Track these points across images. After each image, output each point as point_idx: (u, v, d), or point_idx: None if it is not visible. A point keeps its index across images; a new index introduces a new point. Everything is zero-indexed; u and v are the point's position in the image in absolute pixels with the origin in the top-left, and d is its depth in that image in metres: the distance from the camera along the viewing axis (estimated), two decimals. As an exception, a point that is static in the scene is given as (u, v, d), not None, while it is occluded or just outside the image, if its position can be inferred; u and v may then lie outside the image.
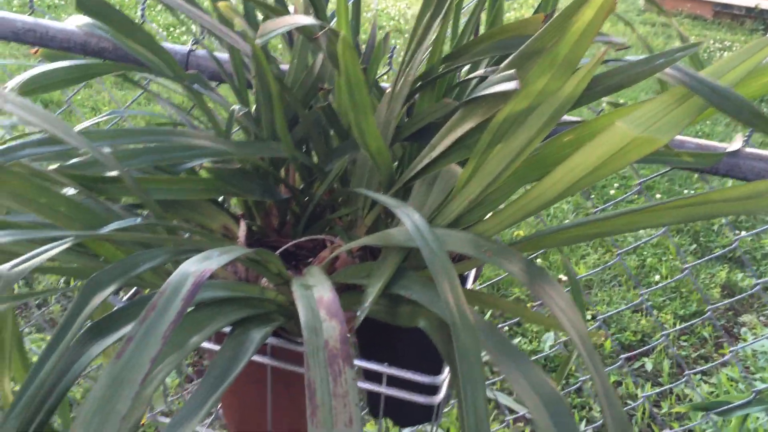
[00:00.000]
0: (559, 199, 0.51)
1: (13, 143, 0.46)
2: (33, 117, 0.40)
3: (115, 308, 0.53)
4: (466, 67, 0.67)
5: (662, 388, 1.94)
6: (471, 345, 0.41)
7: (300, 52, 0.67)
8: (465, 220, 0.57)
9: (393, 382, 0.66)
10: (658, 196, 2.87)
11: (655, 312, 2.24)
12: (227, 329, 0.61)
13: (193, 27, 4.44)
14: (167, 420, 1.42)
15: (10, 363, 0.90)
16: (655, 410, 1.95)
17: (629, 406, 1.84)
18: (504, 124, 0.51)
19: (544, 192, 0.51)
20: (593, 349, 0.51)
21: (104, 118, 0.81)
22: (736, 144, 0.76)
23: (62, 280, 2.07)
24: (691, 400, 1.93)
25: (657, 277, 2.40)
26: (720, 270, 2.42)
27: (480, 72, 0.59)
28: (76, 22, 0.82)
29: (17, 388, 0.93)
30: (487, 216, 0.58)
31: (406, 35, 4.49)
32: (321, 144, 0.67)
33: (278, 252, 0.62)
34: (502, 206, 0.59)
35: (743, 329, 2.17)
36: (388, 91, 0.61)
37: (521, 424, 1.91)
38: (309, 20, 0.55)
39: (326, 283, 0.52)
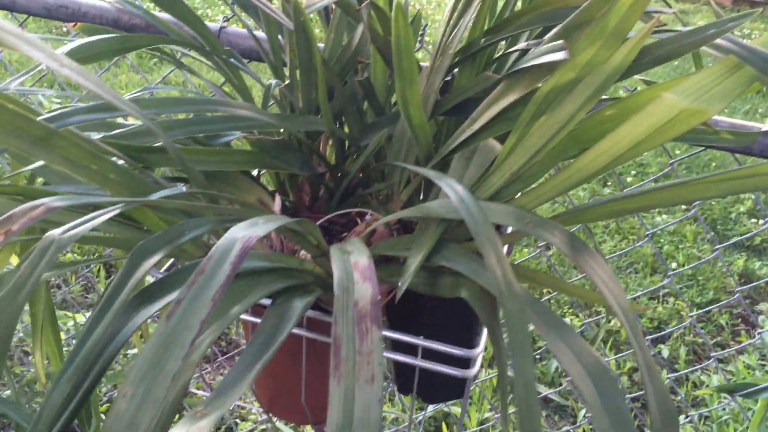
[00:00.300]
0: (602, 172, 0.51)
1: (65, 109, 0.46)
2: (88, 82, 0.40)
3: (160, 277, 0.53)
4: (503, 44, 0.66)
5: (678, 374, 1.94)
6: (518, 313, 0.41)
7: (336, 28, 0.67)
8: (504, 194, 0.58)
9: (425, 355, 0.67)
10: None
11: (671, 299, 2.24)
12: (266, 302, 0.61)
13: (209, 11, 4.44)
14: (200, 393, 1.43)
15: (43, 338, 0.92)
16: (672, 396, 1.95)
17: (644, 392, 1.84)
18: (549, 96, 0.51)
19: (587, 165, 0.51)
20: (635, 321, 0.51)
21: (136, 94, 0.82)
22: (771, 123, 0.76)
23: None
24: (708, 387, 1.92)
25: (674, 265, 2.39)
26: (737, 258, 2.41)
27: (522, 45, 0.59)
28: (108, -2, 0.83)
29: (47, 361, 0.94)
30: (526, 190, 0.58)
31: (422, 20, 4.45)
32: (356, 119, 0.68)
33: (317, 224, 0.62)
34: (534, 184, 0.59)
35: (761, 317, 2.16)
36: (427, 65, 0.61)
37: (537, 409, 1.91)
38: (350, -8, 0.56)
39: (364, 251, 0.52)
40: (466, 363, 0.68)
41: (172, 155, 0.53)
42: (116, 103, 0.42)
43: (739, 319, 2.21)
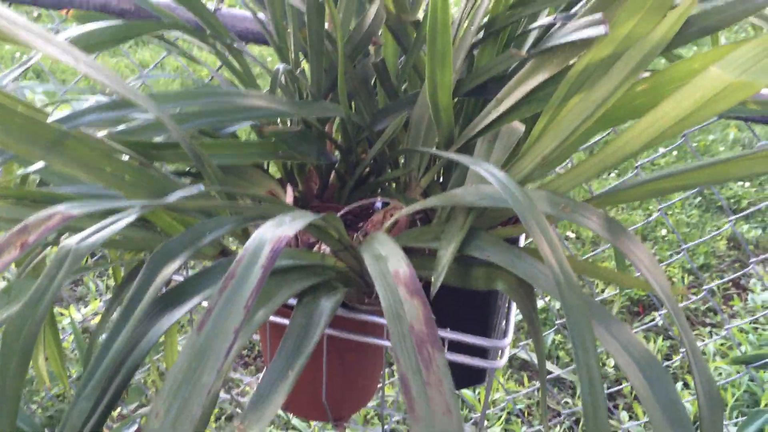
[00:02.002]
0: (644, 150, 0.49)
1: (77, 109, 0.43)
2: (104, 78, 0.37)
3: (181, 280, 0.50)
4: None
5: (673, 340, 1.95)
6: (577, 303, 0.39)
7: (346, 7, 0.63)
8: (532, 179, 0.55)
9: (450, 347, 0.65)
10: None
11: (662, 267, 2.25)
12: (291, 301, 0.59)
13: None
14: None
15: (44, 340, 0.88)
16: (666, 363, 1.96)
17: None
18: (584, 73, 0.48)
19: (627, 143, 0.49)
20: (678, 306, 0.49)
21: (132, 83, 0.78)
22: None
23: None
24: (704, 352, 1.94)
25: (663, 232, 2.40)
26: (725, 222, 2.43)
27: (549, 19, 0.56)
28: (94, -17, 0.78)
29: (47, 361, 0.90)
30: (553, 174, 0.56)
31: None
32: (369, 103, 0.65)
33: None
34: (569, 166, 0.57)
35: (752, 281, 2.18)
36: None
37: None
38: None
39: (399, 253, 0.48)
40: (488, 353, 0.66)
41: (187, 151, 0.50)
42: (134, 99, 0.39)
43: (730, 283, 2.22)
